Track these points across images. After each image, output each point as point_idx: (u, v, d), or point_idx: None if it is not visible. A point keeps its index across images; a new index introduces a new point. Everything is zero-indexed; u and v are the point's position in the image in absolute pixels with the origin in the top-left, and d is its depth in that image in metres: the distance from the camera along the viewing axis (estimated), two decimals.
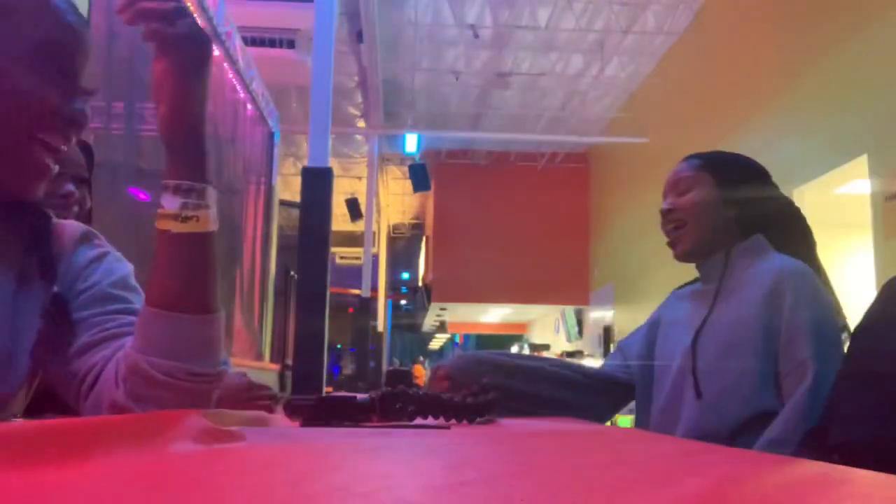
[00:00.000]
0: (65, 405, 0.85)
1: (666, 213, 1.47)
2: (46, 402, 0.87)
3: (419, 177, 10.52)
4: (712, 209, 1.44)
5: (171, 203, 0.74)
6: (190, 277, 0.75)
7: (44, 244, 0.84)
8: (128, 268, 0.90)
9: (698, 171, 1.47)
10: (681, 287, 1.59)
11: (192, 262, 0.75)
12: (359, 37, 7.77)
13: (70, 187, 1.22)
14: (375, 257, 12.15)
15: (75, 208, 1.23)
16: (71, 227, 0.89)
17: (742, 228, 1.43)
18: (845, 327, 1.34)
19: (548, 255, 11.76)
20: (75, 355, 0.82)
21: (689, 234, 1.45)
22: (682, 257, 1.47)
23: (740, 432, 1.29)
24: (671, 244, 1.48)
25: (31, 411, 0.87)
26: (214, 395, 0.80)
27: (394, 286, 16.69)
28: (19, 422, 0.73)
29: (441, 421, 0.95)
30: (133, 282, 0.88)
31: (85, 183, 1.29)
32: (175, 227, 0.74)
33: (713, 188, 1.44)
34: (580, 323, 12.48)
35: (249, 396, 1.48)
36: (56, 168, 0.80)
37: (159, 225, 0.75)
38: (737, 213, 1.43)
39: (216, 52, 4.50)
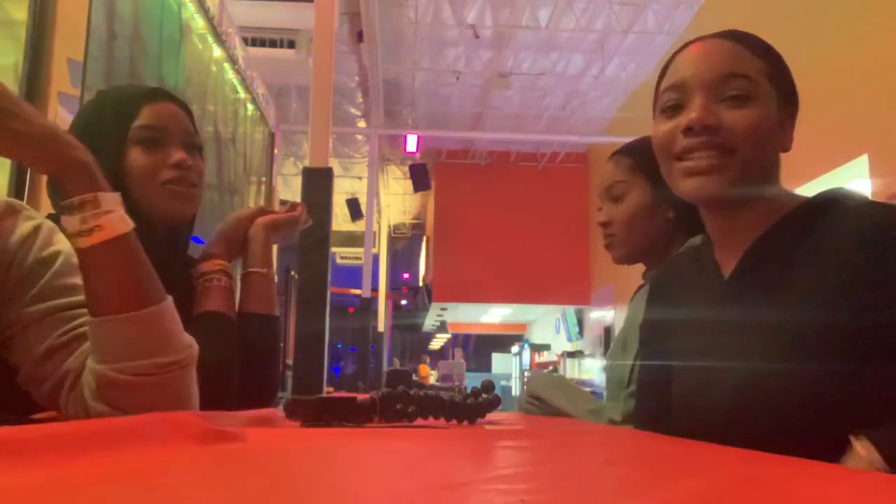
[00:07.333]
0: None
1: (603, 226, 1.42)
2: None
3: (419, 177, 10.52)
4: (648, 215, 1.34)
5: (69, 223, 0.74)
6: (120, 280, 0.76)
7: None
8: (66, 246, 0.86)
9: (633, 173, 1.36)
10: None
11: (116, 267, 0.75)
12: (359, 37, 7.77)
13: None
14: (376, 257, 12.13)
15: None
16: None
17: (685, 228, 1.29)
18: None
19: (548, 255, 11.75)
20: (42, 359, 0.80)
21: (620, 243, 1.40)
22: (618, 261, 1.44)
23: None
24: (607, 247, 1.44)
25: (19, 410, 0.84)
26: (191, 374, 0.80)
27: (394, 286, 16.68)
28: (20, 425, 0.73)
29: (441, 421, 0.95)
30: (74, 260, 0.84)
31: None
32: (83, 243, 0.74)
33: (649, 192, 1.33)
34: (580, 323, 12.48)
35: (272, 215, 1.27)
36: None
37: (73, 244, 0.76)
38: (676, 214, 1.31)
39: (217, 52, 4.50)
